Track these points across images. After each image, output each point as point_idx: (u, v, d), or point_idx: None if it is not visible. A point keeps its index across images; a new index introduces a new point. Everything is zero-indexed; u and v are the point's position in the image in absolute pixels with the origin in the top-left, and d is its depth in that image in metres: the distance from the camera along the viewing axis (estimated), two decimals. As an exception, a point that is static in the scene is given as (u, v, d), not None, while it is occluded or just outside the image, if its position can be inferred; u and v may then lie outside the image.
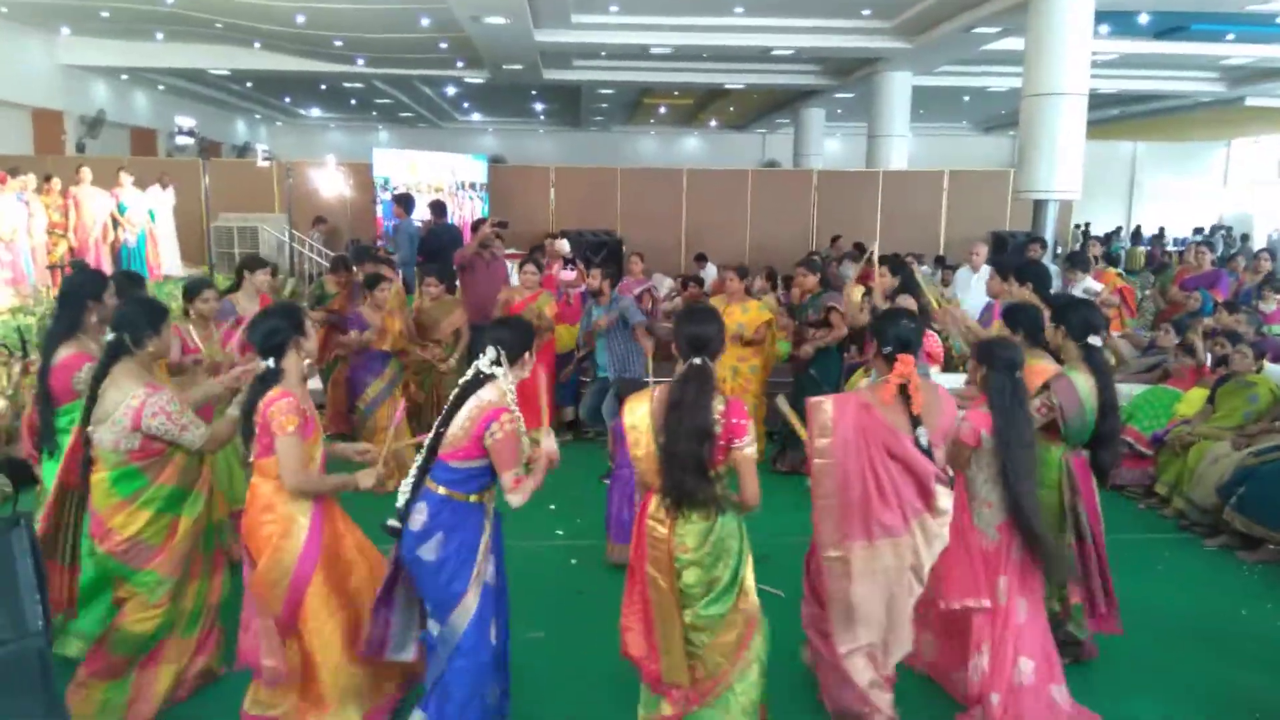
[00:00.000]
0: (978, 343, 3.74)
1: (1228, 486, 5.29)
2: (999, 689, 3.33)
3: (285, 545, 3.07)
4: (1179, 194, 27.09)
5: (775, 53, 16.53)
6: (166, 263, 11.67)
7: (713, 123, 29.26)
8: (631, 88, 21.75)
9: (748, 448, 2.89)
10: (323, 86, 22.78)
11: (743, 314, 6.58)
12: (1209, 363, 6.52)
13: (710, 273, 11.37)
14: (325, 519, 3.17)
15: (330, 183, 13.76)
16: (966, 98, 22.67)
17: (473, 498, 3.07)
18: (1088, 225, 20.88)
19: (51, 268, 9.92)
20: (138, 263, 11.01)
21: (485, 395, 3.02)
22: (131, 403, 3.17)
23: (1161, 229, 21.22)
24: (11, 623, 2.62)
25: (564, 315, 7.44)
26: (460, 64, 18.06)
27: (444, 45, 16.26)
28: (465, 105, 27.39)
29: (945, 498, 3.17)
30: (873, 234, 14.05)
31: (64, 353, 3.68)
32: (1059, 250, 13.24)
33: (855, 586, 3.18)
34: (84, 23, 15.83)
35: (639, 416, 2.99)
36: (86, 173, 10.70)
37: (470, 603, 3.05)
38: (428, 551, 3.02)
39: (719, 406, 2.87)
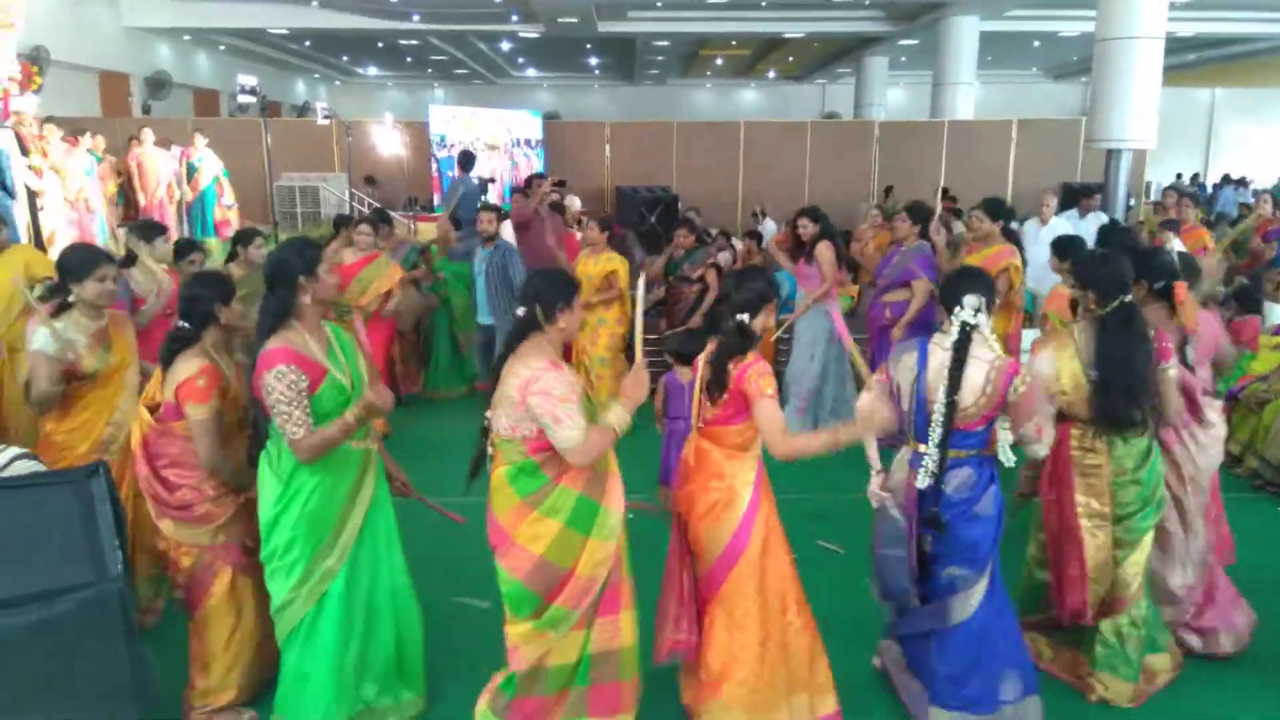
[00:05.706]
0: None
1: (1307, 445, 5.13)
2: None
3: (726, 515, 2.97)
4: (1259, 143, 25.91)
5: (836, -1, 16.12)
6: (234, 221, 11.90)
7: (771, 74, 28.69)
8: (688, 39, 21.39)
9: (1171, 369, 3.18)
10: (379, 44, 22.85)
11: (594, 265, 6.48)
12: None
13: (769, 228, 11.22)
14: (764, 496, 3.05)
15: (389, 141, 13.84)
16: (1036, 43, 21.87)
17: (987, 453, 3.04)
18: (1182, 178, 20.09)
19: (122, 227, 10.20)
20: (201, 222, 11.26)
21: (988, 355, 2.94)
22: (523, 372, 2.74)
23: (1243, 178, 20.37)
24: (93, 567, 2.73)
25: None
26: (514, 18, 17.94)
27: (499, -1, 16.19)
28: (520, 61, 27.27)
29: (1212, 410, 3.47)
30: (937, 186, 13.77)
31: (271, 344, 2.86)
32: (1131, 203, 12.79)
33: None
34: (147, -16, 16.09)
35: (1066, 356, 3.21)
36: (148, 134, 10.95)
37: (989, 563, 3.04)
38: (986, 506, 2.99)
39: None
